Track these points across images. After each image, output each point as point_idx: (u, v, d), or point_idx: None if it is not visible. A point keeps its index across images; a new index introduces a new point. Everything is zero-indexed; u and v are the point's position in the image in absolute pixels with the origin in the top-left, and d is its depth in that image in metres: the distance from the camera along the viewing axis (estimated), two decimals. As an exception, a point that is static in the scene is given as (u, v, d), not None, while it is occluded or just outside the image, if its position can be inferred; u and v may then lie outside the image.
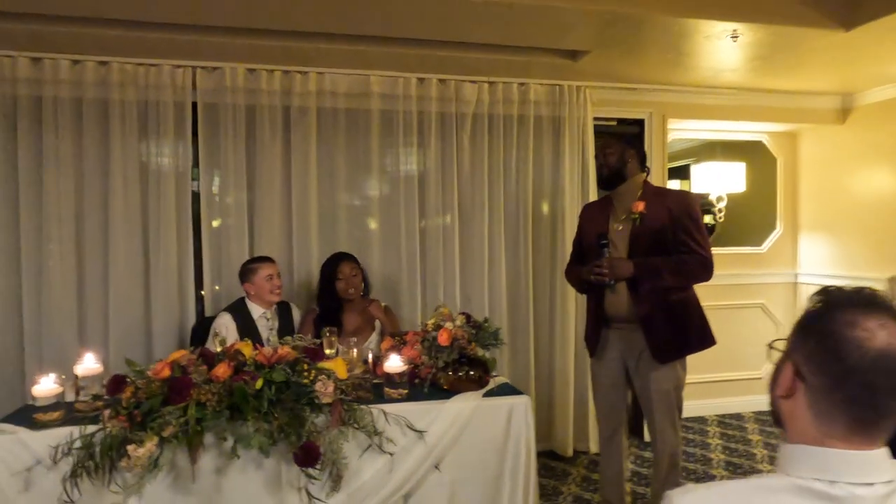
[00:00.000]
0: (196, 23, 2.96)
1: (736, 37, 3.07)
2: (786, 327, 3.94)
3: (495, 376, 2.60)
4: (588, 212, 2.90)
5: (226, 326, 2.91)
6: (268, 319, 3.01)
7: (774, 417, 0.93)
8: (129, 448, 1.99)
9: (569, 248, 3.64)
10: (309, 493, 2.15)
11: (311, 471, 2.15)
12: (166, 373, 2.21)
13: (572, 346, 3.66)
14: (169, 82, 3.16)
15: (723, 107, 4.12)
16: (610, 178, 2.69)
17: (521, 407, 2.41)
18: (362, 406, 2.24)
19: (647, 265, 2.53)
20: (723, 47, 3.26)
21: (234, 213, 3.31)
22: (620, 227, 2.64)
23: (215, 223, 3.33)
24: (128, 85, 3.13)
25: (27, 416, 2.20)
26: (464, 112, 3.51)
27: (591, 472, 3.47)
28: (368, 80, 3.37)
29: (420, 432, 2.27)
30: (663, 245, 2.54)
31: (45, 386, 2.30)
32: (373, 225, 3.47)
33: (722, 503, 0.88)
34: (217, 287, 3.33)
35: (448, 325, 2.52)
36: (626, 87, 3.84)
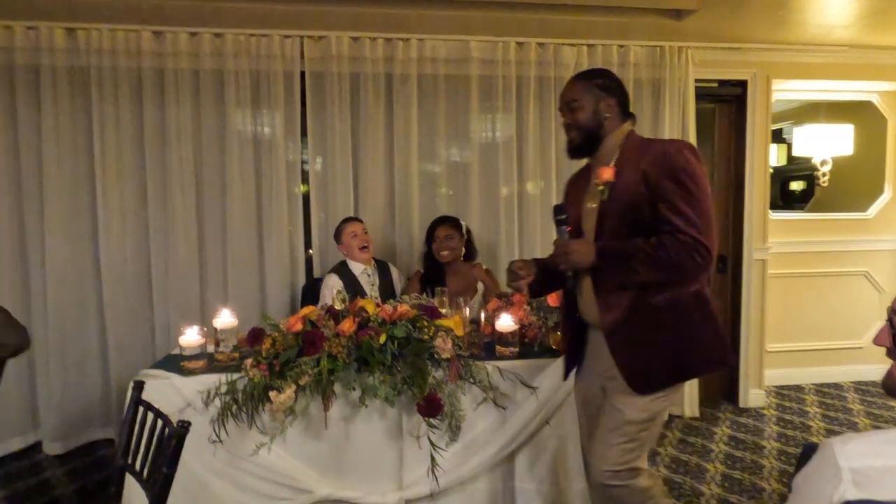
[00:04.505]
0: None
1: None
2: (889, 296, 3.79)
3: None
4: (569, 187, 2.12)
5: (335, 286, 3.07)
6: (369, 275, 3.15)
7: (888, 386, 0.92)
8: (271, 394, 2.17)
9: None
10: (431, 442, 2.27)
11: (432, 420, 2.28)
12: (299, 326, 2.37)
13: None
14: (279, 52, 3.29)
15: (831, 65, 3.91)
16: (584, 145, 1.91)
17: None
18: (477, 362, 2.34)
19: (612, 251, 1.79)
20: (835, 2, 3.08)
21: (339, 179, 3.44)
22: (593, 205, 1.89)
23: (321, 188, 3.48)
24: (241, 55, 3.27)
25: (175, 364, 2.41)
26: (562, 76, 3.47)
27: (687, 436, 3.49)
28: (468, 45, 3.39)
29: (532, 388, 2.36)
30: (641, 225, 1.77)
31: (191, 337, 2.52)
32: (471, 189, 3.53)
33: (884, 450, 0.89)
34: (309, 252, 3.50)
35: (557, 286, 2.57)
36: (730, 46, 3.69)
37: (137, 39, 3.21)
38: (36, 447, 3.31)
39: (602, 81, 1.90)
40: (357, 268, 3.14)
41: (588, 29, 3.41)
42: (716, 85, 3.81)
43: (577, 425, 2.38)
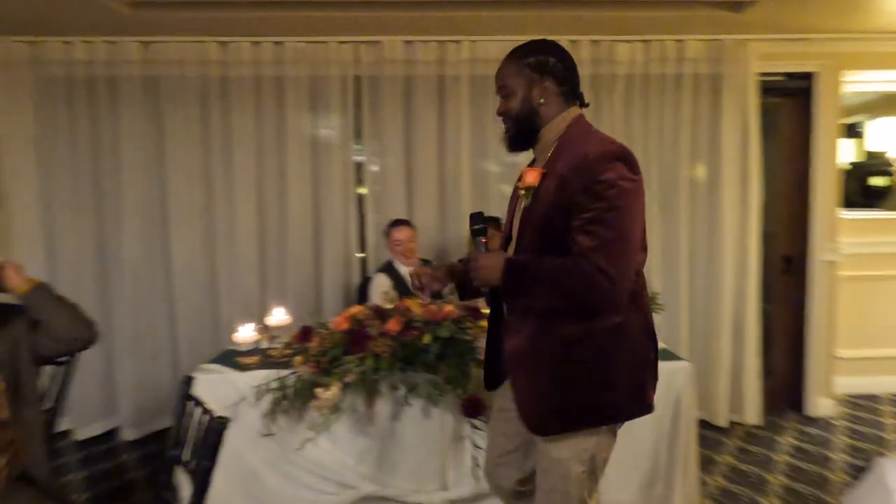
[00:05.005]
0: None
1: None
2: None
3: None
4: (515, 187, 1.80)
5: (383, 286, 3.14)
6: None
7: None
8: (318, 391, 2.25)
9: (728, 215, 3.48)
10: (474, 443, 2.30)
11: (475, 421, 2.31)
12: (345, 325, 2.45)
13: (729, 315, 3.51)
14: (335, 58, 3.40)
15: (909, 54, 3.63)
16: (520, 136, 1.64)
17: (682, 373, 2.39)
18: (522, 364, 2.34)
19: (519, 269, 1.51)
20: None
21: (392, 179, 3.52)
22: (519, 213, 1.67)
23: (375, 188, 3.56)
24: (300, 62, 3.40)
25: (230, 359, 2.54)
26: (616, 73, 3.41)
27: (747, 444, 3.35)
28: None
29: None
30: (560, 240, 1.50)
31: (245, 333, 2.65)
32: (522, 190, 3.51)
33: None
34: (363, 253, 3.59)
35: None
36: (795, 37, 3.50)
37: (204, 50, 3.39)
38: (113, 432, 3.56)
39: (535, 60, 1.59)
40: (403, 268, 3.20)
41: (643, 24, 3.32)
42: (781, 78, 3.62)
43: (627, 432, 2.35)
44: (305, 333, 2.49)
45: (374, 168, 3.56)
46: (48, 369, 2.01)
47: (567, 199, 1.47)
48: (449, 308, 2.45)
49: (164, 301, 3.56)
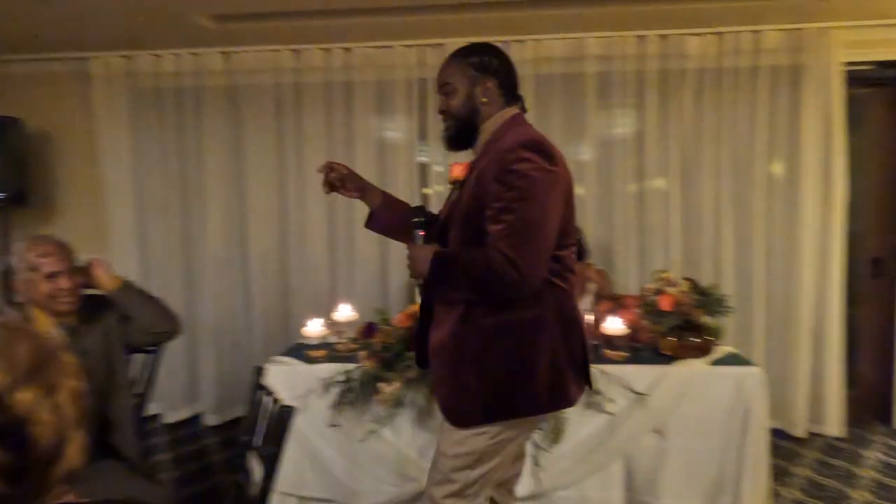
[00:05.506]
0: (422, 4, 3.19)
1: None
2: None
3: (721, 345, 2.50)
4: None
5: None
6: None
7: None
8: (380, 385, 2.33)
9: (808, 214, 3.30)
10: (534, 442, 2.31)
11: (534, 420, 2.31)
12: (407, 323, 2.52)
13: (809, 319, 3.33)
14: (400, 61, 3.49)
15: None
16: (459, 135, 1.66)
17: (753, 379, 2.30)
18: (582, 365, 2.33)
19: (444, 261, 1.55)
20: None
21: (456, 180, 3.57)
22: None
23: (440, 189, 3.63)
24: (367, 66, 3.52)
25: (300, 352, 2.67)
26: (687, 68, 3.31)
27: (828, 457, 3.17)
28: (584, 42, 3.35)
29: (641, 395, 2.30)
30: (482, 231, 1.52)
31: (313, 328, 2.77)
32: (586, 188, 3.48)
33: None
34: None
35: (671, 289, 2.48)
36: (887, 23, 3.27)
37: (279, 58, 3.56)
38: (197, 418, 3.81)
39: (479, 60, 1.61)
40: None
41: (717, 16, 3.20)
42: (870, 67, 3.38)
43: (693, 438, 2.31)
44: (370, 329, 2.58)
45: (439, 168, 3.63)
46: (138, 358, 2.19)
47: (483, 190, 1.50)
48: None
49: (242, 296, 3.78)
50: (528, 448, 2.32)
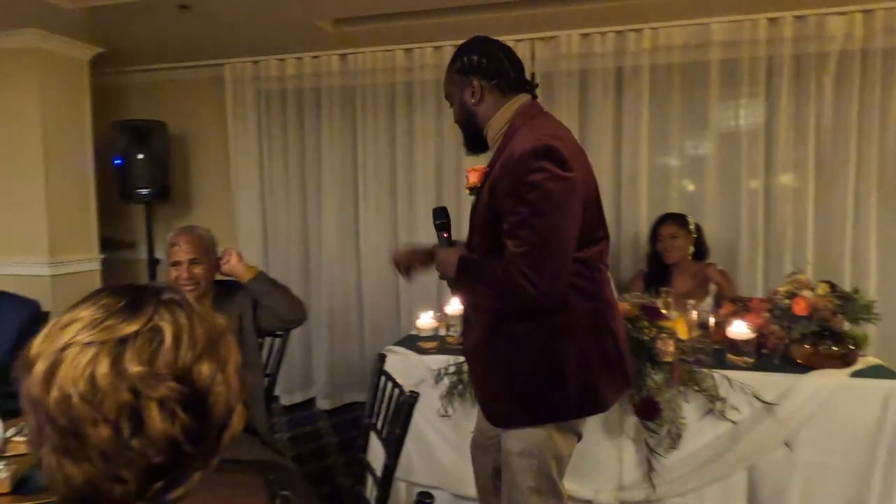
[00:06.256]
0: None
1: None
2: None
3: (864, 356, 2.27)
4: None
5: None
6: None
7: None
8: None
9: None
10: (648, 446, 2.22)
11: (650, 424, 2.23)
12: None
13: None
14: (511, 57, 3.47)
15: None
16: (470, 139, 1.67)
17: (902, 394, 2.07)
18: (703, 369, 2.21)
19: (469, 266, 1.56)
20: None
21: (565, 176, 3.49)
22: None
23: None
24: (477, 63, 3.53)
25: (413, 343, 2.74)
26: (827, 51, 3.03)
27: None
28: (708, 28, 3.16)
29: (769, 404, 2.14)
30: (500, 239, 1.49)
31: (425, 321, 2.84)
32: (707, 184, 3.29)
33: None
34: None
35: (806, 293, 2.29)
36: None
37: (392, 58, 3.67)
38: (311, 401, 4.03)
39: (460, 64, 1.61)
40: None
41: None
42: None
43: (827, 454, 2.12)
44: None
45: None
46: (266, 341, 2.36)
47: (497, 201, 1.48)
48: (624, 306, 2.39)
49: (354, 287, 3.94)
50: (645, 451, 2.25)
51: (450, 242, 1.69)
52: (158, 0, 2.89)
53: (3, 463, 1.37)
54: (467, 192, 1.69)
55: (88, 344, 0.63)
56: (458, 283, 1.59)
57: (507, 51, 1.64)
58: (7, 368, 2.19)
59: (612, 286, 1.72)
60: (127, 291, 0.68)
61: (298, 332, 3.78)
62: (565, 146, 1.47)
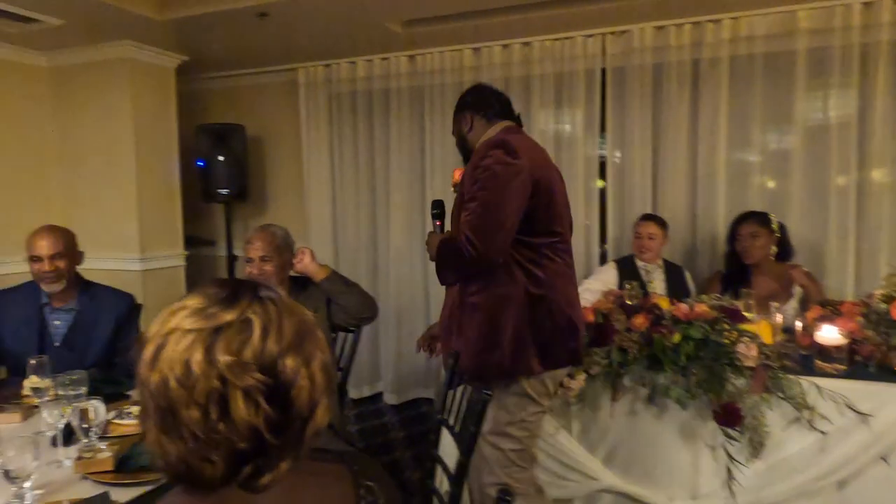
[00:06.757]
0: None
1: None
2: None
3: (974, 367, 2.09)
4: None
5: (605, 278, 3.04)
6: (647, 272, 3.05)
7: None
8: (566, 380, 2.30)
9: None
10: (728, 454, 2.13)
11: (730, 431, 2.13)
12: (590, 318, 2.45)
13: None
14: (581, 52, 3.42)
15: None
16: (467, 159, 2.03)
17: None
18: (789, 376, 2.09)
19: (443, 242, 1.90)
20: None
21: (637, 172, 3.41)
22: None
23: (619, 182, 3.49)
24: (546, 60, 3.50)
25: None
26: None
27: None
28: (794, 16, 2.99)
29: (863, 415, 2.00)
30: None
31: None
32: (792, 181, 3.11)
33: None
34: (605, 246, 3.54)
35: (906, 297, 2.13)
36: None
37: (459, 57, 3.68)
38: (378, 396, 4.11)
39: (459, 103, 2.06)
40: (640, 262, 3.10)
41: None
42: None
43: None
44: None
45: (617, 161, 3.49)
46: (338, 336, 2.42)
47: (464, 189, 1.83)
48: (702, 308, 2.30)
49: (421, 286, 3.98)
50: (724, 459, 2.16)
51: (442, 230, 2.05)
52: (239, 10, 3.01)
53: (106, 443, 1.46)
54: (452, 189, 2.03)
55: (189, 331, 0.67)
56: (438, 259, 1.89)
57: (495, 91, 2.07)
58: (108, 356, 2.33)
59: (575, 284, 2.04)
60: (229, 284, 0.72)
61: (366, 327, 3.88)
62: (519, 143, 1.81)
